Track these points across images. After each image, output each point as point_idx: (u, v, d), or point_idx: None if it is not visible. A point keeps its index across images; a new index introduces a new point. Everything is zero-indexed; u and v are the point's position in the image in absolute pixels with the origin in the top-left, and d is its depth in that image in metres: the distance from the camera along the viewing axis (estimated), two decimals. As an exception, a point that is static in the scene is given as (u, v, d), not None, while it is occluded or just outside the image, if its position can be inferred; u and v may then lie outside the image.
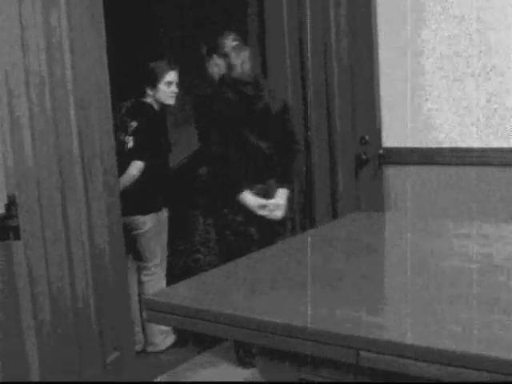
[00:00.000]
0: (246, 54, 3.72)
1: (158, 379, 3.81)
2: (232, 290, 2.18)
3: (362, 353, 1.67)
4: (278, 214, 3.75)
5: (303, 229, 4.16)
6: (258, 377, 2.08)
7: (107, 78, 3.27)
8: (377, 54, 4.12)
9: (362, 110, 4.15)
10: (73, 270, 3.01)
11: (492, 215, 3.79)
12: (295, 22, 4.19)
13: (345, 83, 4.15)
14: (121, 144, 3.95)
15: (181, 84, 4.24)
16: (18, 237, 2.61)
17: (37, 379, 2.80)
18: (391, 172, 4.17)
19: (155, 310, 2.08)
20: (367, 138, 4.13)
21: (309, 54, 4.20)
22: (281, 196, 3.77)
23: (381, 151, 4.14)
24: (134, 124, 4.03)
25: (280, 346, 1.83)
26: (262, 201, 3.68)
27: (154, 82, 4.08)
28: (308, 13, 4.14)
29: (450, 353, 1.57)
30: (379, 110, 4.16)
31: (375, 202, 4.16)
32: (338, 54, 4.13)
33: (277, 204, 3.73)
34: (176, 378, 3.83)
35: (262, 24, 4.38)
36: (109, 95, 3.28)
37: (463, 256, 2.46)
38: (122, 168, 3.82)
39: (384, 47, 4.09)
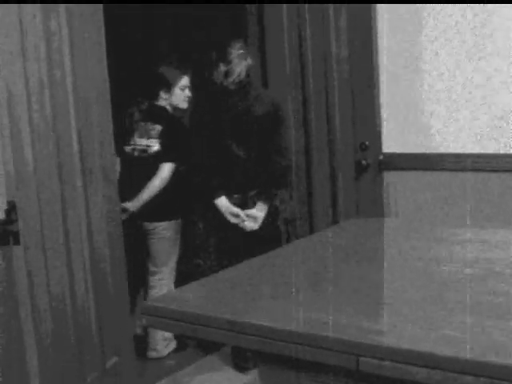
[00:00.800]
0: (247, 63, 3.72)
1: (158, 384, 3.81)
2: (232, 295, 2.18)
3: (362, 359, 1.67)
4: (254, 225, 3.71)
5: (303, 234, 4.16)
6: (257, 382, 2.08)
7: (107, 83, 3.28)
8: (376, 60, 4.13)
9: (361, 115, 4.15)
10: (73, 275, 3.00)
11: (493, 220, 3.79)
12: (295, 30, 4.20)
13: (345, 89, 4.16)
14: (137, 149, 4.04)
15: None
16: (17, 242, 2.61)
17: (36, 383, 2.79)
18: (391, 178, 4.17)
19: (155, 316, 2.08)
20: (367, 143, 4.14)
21: (309, 61, 4.21)
22: (259, 209, 3.72)
23: (381, 157, 4.15)
24: (158, 127, 4.06)
25: (280, 351, 1.83)
26: (235, 209, 3.65)
27: (168, 86, 4.13)
28: (307, 20, 4.15)
29: (450, 359, 1.57)
30: (379, 116, 4.16)
31: (375, 207, 4.16)
32: (337, 61, 4.14)
33: (254, 216, 3.70)
34: (175, 383, 3.83)
35: (261, 32, 4.40)
36: (109, 99, 3.28)
37: (463, 261, 2.46)
38: (148, 170, 3.94)
39: (384, 53, 4.10)
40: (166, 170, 4.00)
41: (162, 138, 4.04)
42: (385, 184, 4.18)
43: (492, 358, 1.55)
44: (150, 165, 3.99)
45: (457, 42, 3.88)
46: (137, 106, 4.19)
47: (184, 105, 4.19)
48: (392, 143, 4.15)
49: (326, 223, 4.20)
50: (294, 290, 2.19)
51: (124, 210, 3.80)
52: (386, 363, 1.64)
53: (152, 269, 4.21)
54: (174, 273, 4.26)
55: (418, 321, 1.85)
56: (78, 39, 3.03)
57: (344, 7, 4.07)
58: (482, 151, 3.83)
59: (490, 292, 2.06)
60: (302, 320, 1.87)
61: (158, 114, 4.13)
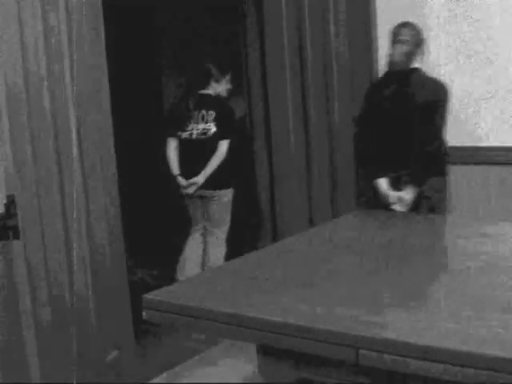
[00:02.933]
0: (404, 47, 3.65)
1: (158, 378, 3.80)
2: (232, 289, 2.18)
3: (362, 351, 1.68)
4: (401, 208, 3.73)
5: (303, 227, 4.16)
6: (256, 375, 2.09)
7: (106, 78, 3.26)
8: (376, 47, 4.12)
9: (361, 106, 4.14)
10: (72, 269, 3.00)
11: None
12: (294, 22, 4.19)
13: (344, 81, 4.16)
14: (195, 133, 4.67)
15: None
16: (17, 236, 2.61)
17: (37, 378, 2.80)
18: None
19: (155, 309, 2.09)
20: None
21: (308, 54, 4.20)
22: (407, 191, 3.71)
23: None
24: (213, 113, 4.63)
25: (279, 344, 1.84)
26: (392, 193, 3.72)
27: (217, 78, 4.70)
28: (307, 12, 4.15)
29: (449, 351, 1.57)
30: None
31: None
32: (337, 52, 4.13)
33: (401, 197, 3.71)
34: (175, 376, 3.83)
35: (261, 25, 4.41)
36: (108, 94, 3.27)
37: (462, 254, 2.47)
38: (208, 149, 4.60)
39: (383, 46, 4.10)
40: (225, 146, 4.61)
41: (218, 121, 4.62)
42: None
43: (492, 351, 1.55)
44: (209, 144, 4.61)
45: (458, 33, 3.89)
46: (192, 96, 4.72)
47: (225, 93, 4.76)
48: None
49: (326, 215, 4.20)
50: (293, 283, 2.20)
51: (193, 184, 4.59)
52: (386, 356, 1.64)
53: (209, 229, 4.83)
54: (227, 234, 4.86)
55: (418, 314, 1.86)
56: (77, 34, 3.02)
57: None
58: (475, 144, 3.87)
59: (489, 285, 2.07)
60: (301, 313, 1.87)
61: (209, 102, 4.67)
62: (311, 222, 4.29)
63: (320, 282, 2.18)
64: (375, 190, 3.79)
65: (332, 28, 4.11)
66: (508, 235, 2.74)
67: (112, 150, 3.33)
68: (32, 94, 2.76)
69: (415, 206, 3.71)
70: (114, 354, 3.31)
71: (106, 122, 3.25)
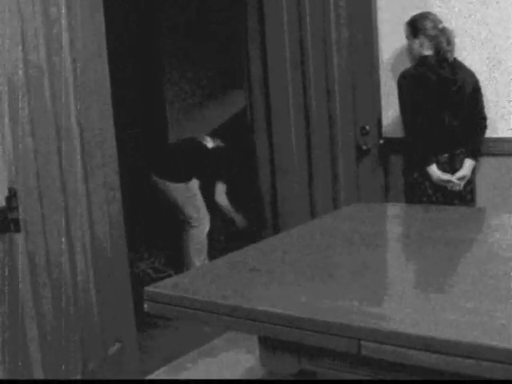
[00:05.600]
0: (452, 36, 3.82)
1: (160, 371, 3.81)
2: (233, 281, 2.18)
3: (364, 343, 1.68)
4: (460, 185, 3.89)
5: (304, 220, 4.16)
6: (258, 367, 2.09)
7: (107, 70, 3.26)
8: (377, 43, 4.12)
9: (362, 100, 4.14)
10: (74, 262, 3.00)
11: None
12: (295, 15, 4.18)
13: (345, 74, 4.15)
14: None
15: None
16: (18, 229, 2.61)
17: (39, 371, 2.80)
18: (392, 162, 4.17)
19: (156, 301, 2.09)
20: (368, 128, 4.13)
21: (309, 46, 4.19)
22: (468, 167, 3.88)
23: (381, 141, 4.14)
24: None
25: (281, 336, 1.84)
26: (445, 177, 3.83)
27: None
28: (307, 5, 4.14)
29: (451, 342, 1.57)
30: (379, 100, 4.16)
31: (376, 192, 4.16)
32: (338, 45, 4.13)
33: (463, 176, 3.86)
34: (177, 369, 3.84)
35: (261, 19, 4.39)
36: (109, 87, 3.27)
37: (463, 244, 2.47)
38: None
39: (385, 37, 4.09)
40: None
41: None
42: (385, 168, 4.19)
43: (493, 342, 1.55)
44: None
45: (459, 26, 3.88)
46: None
47: None
48: (392, 127, 4.15)
49: (327, 208, 4.20)
50: (294, 274, 2.20)
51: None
52: (388, 347, 1.64)
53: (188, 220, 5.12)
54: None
55: (419, 305, 1.86)
56: (77, 26, 3.01)
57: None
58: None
59: (492, 276, 2.06)
60: (303, 305, 1.87)
61: None
62: (313, 216, 4.28)
63: (321, 274, 2.18)
64: (426, 178, 3.85)
65: (333, 21, 4.10)
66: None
67: (113, 142, 3.32)
68: (33, 87, 2.76)
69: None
70: (116, 346, 3.32)
71: (106, 112, 3.25)
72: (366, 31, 4.09)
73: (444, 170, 3.83)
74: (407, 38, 3.90)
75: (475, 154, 3.91)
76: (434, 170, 3.81)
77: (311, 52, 4.19)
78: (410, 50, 3.95)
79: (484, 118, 3.92)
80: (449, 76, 3.79)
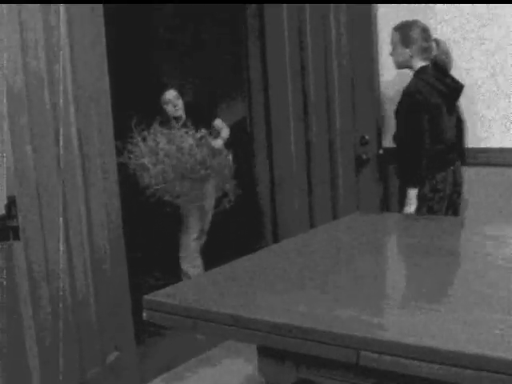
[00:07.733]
0: (446, 47, 3.82)
1: (158, 379, 3.80)
2: (231, 290, 2.18)
3: (363, 352, 1.67)
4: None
5: (303, 230, 4.15)
6: (257, 376, 2.08)
7: (107, 77, 3.27)
8: (377, 53, 4.12)
9: (362, 109, 4.14)
10: (73, 270, 3.00)
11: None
12: (295, 24, 4.20)
13: (345, 83, 4.16)
14: None
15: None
16: (17, 237, 2.61)
17: (38, 379, 2.80)
18: (391, 172, 4.17)
19: (155, 310, 2.08)
20: (367, 137, 4.13)
21: (309, 56, 4.20)
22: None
23: (381, 151, 4.14)
24: None
25: (280, 345, 1.83)
26: (412, 208, 3.68)
27: None
28: (308, 14, 4.15)
29: (449, 352, 1.57)
30: (379, 110, 4.16)
31: (375, 202, 4.16)
32: (338, 55, 4.13)
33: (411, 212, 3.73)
34: (176, 377, 3.84)
35: (261, 27, 4.41)
36: (108, 94, 3.28)
37: (463, 255, 2.47)
38: None
39: (384, 47, 4.10)
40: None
41: None
42: (385, 178, 4.18)
43: (492, 352, 1.55)
44: None
45: (458, 34, 3.89)
46: None
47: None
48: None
49: (327, 217, 4.20)
50: (293, 284, 2.19)
51: None
52: (387, 357, 1.64)
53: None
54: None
55: (418, 315, 1.85)
56: (77, 35, 3.02)
57: (344, 6, 4.08)
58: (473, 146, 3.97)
59: (490, 285, 2.06)
60: (302, 314, 1.87)
61: None
62: (312, 225, 4.28)
63: (320, 283, 2.18)
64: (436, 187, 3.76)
65: (333, 29, 4.11)
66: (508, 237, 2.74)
67: (113, 151, 3.33)
68: (32, 94, 2.76)
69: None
70: (115, 355, 3.32)
71: (106, 120, 3.26)
72: (365, 40, 4.09)
73: (445, 186, 3.71)
74: (394, 44, 3.73)
75: (464, 160, 3.90)
76: (414, 195, 3.65)
77: (311, 61, 4.20)
78: (395, 57, 3.76)
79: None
80: (453, 84, 3.75)
